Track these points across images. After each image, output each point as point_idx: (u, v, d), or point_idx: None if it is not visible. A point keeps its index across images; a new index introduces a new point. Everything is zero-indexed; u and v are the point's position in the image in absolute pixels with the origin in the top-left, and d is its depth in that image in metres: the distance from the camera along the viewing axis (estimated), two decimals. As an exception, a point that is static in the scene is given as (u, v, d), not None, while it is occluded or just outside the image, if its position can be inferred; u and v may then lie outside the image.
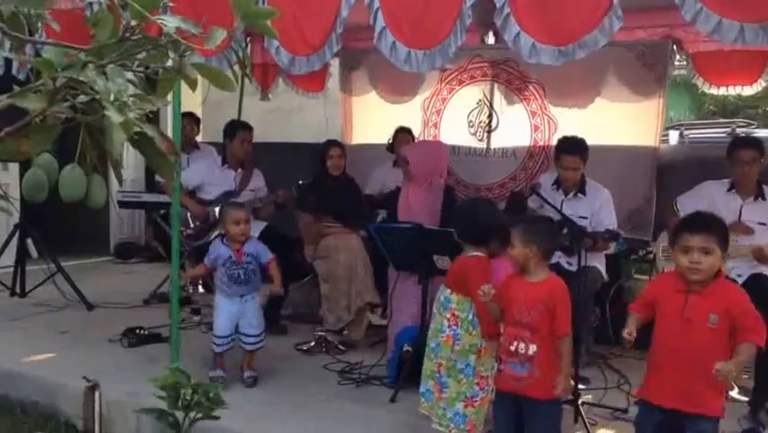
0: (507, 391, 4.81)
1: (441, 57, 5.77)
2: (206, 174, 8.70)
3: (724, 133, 17.03)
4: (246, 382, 6.60)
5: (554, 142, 8.09)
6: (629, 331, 4.54)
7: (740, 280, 6.48)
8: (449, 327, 5.22)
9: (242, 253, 6.66)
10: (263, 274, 6.85)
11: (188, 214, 8.41)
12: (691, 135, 18.17)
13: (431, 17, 5.79)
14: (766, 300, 4.79)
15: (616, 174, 8.00)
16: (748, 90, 8.94)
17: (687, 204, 6.85)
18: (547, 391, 4.69)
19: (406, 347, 6.44)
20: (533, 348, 4.68)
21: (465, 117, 9.55)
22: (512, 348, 4.74)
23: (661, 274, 4.86)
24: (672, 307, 4.41)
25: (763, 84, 8.76)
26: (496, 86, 9.34)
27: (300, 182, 8.34)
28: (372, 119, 10.36)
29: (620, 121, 8.55)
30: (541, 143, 9.10)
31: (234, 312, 6.61)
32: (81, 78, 2.10)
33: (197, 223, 8.51)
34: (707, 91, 9.44)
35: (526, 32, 5.38)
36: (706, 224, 4.45)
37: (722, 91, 9.20)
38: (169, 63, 2.39)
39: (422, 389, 5.37)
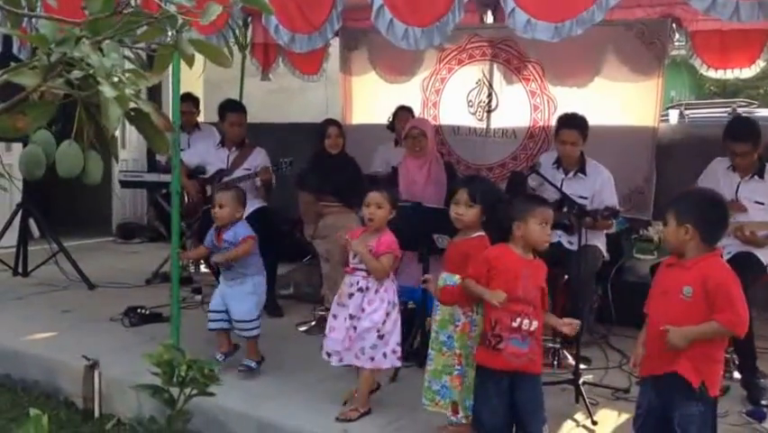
0: (505, 369, 4.76)
1: (439, 34, 5.76)
2: (204, 154, 8.83)
3: (724, 112, 17.02)
4: (240, 369, 6.42)
5: (554, 122, 8.09)
6: (635, 361, 4.65)
7: (727, 258, 6.50)
8: (463, 314, 5.12)
9: (221, 239, 6.60)
10: (265, 254, 6.83)
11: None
12: (692, 115, 18.15)
13: None
14: (744, 276, 4.78)
15: (615, 154, 7.93)
16: (747, 72, 8.95)
17: (703, 184, 6.88)
18: (539, 365, 4.83)
19: (411, 305, 6.45)
20: (535, 324, 4.72)
21: (465, 97, 9.56)
22: (515, 324, 4.70)
23: None
24: (657, 280, 4.53)
25: (762, 64, 8.76)
26: (495, 65, 9.33)
27: (282, 160, 8.32)
28: (372, 99, 10.35)
29: (619, 100, 8.54)
30: (541, 123, 9.09)
31: (223, 292, 6.60)
32: (75, 54, 2.10)
33: (191, 200, 8.59)
34: (705, 74, 9.44)
35: (521, 7, 5.35)
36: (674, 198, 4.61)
37: (720, 74, 9.21)
38: (167, 39, 2.40)
39: (435, 386, 5.24)
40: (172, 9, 2.30)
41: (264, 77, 10.75)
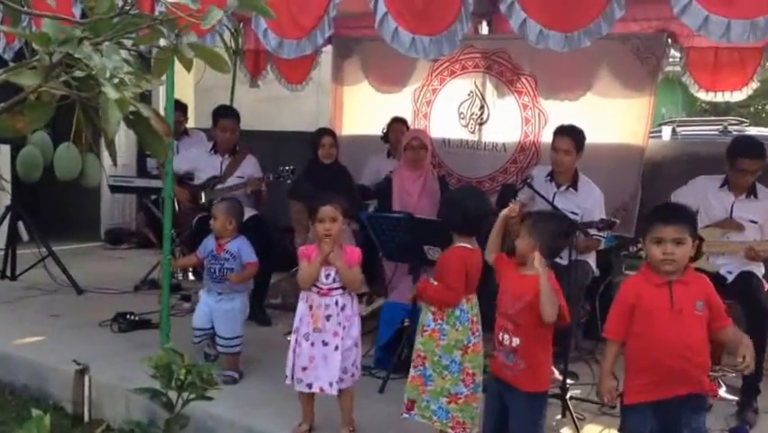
0: (498, 376, 4.80)
1: (448, 43, 5.72)
2: (196, 160, 8.77)
3: (716, 130, 17.10)
4: (223, 379, 6.31)
5: (545, 135, 8.11)
6: (610, 394, 4.60)
7: (730, 278, 6.51)
8: (434, 321, 5.10)
9: (222, 249, 6.60)
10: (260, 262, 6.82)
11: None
12: (684, 132, 18.21)
13: (434, 3, 5.74)
14: (752, 298, 4.77)
15: (604, 171, 7.94)
16: (738, 96, 8.96)
17: (681, 199, 6.87)
18: (531, 384, 4.69)
19: (407, 322, 6.44)
20: (516, 341, 4.66)
21: (456, 109, 9.55)
22: (500, 338, 4.74)
23: (627, 281, 4.78)
24: (658, 301, 4.34)
25: (754, 87, 8.78)
26: (488, 78, 9.33)
27: (281, 168, 8.33)
28: (362, 110, 10.33)
29: (611, 116, 8.53)
30: (531, 137, 9.08)
31: (210, 307, 6.58)
32: (77, 55, 2.09)
33: (181, 207, 8.57)
34: (695, 94, 9.40)
35: (533, 18, 5.35)
36: (678, 214, 4.45)
37: (710, 97, 9.21)
38: (164, 42, 2.39)
39: (433, 406, 5.15)
40: (168, 6, 2.30)
41: (253, 84, 10.73)
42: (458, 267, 5.04)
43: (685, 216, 4.45)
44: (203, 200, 8.46)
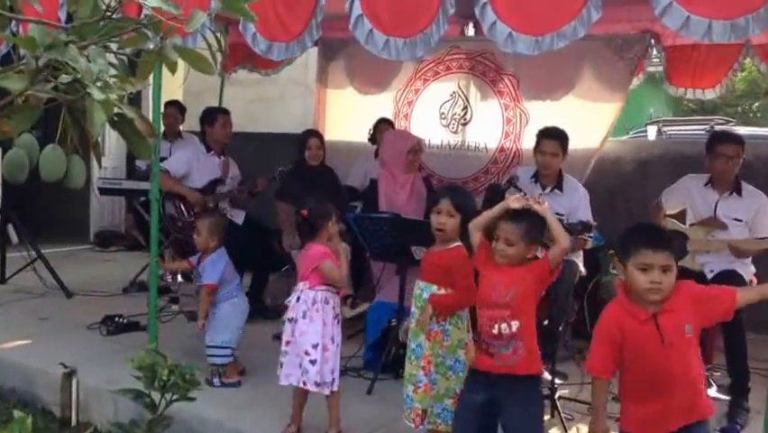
0: (488, 372, 4.60)
1: (422, 46, 5.68)
2: (193, 162, 8.69)
3: (702, 130, 17.11)
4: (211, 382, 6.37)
5: (525, 135, 8.10)
6: None
7: (710, 276, 6.52)
8: (437, 323, 5.01)
9: (192, 265, 6.56)
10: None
11: (180, 204, 8.40)
12: (670, 132, 18.24)
13: (411, 5, 5.75)
14: None
15: (578, 170, 7.98)
16: (710, 94, 9.03)
17: (669, 198, 6.98)
18: (531, 366, 4.60)
19: (394, 322, 6.43)
20: (515, 325, 4.49)
21: (437, 109, 9.54)
22: (494, 331, 4.53)
23: (607, 312, 4.48)
24: (646, 337, 4.08)
25: (727, 84, 8.82)
26: (471, 78, 9.33)
27: (280, 169, 8.36)
28: (347, 112, 10.26)
29: (590, 116, 8.53)
30: (512, 137, 9.06)
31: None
32: (63, 59, 2.11)
33: (193, 212, 8.51)
34: (667, 90, 9.38)
35: (503, 20, 5.31)
36: (666, 240, 4.16)
37: (680, 93, 9.23)
38: (150, 45, 2.41)
39: (436, 409, 5.06)
40: (151, 10, 2.31)
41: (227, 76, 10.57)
42: (468, 266, 4.97)
43: (671, 242, 4.17)
44: (211, 205, 8.41)
